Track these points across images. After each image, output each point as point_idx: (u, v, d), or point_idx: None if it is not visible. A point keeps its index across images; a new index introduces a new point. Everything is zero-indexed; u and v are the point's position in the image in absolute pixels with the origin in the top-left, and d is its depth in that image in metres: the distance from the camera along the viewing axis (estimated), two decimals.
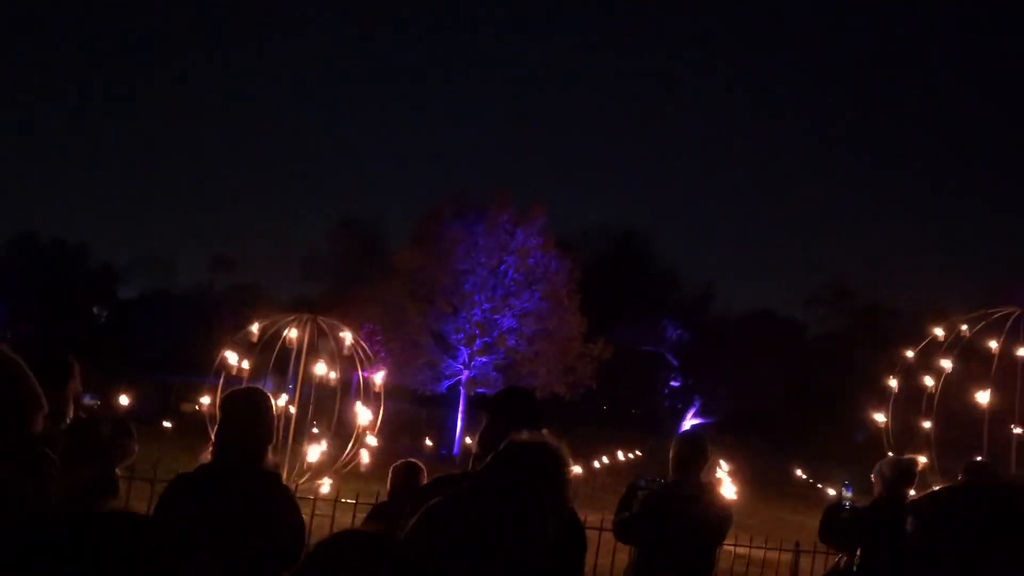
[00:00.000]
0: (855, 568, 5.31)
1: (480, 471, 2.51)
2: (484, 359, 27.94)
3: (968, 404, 11.98)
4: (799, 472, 23.31)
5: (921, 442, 12.10)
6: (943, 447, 12.23)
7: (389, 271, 28.47)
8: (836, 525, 5.54)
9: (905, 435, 12.63)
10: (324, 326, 12.52)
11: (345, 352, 12.27)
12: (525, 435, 2.53)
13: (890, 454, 9.95)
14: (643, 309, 38.30)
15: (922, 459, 11.77)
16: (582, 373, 28.03)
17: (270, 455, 3.86)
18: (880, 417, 12.64)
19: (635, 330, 37.36)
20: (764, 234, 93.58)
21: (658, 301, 39.79)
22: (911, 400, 12.87)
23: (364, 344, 13.33)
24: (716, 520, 5.25)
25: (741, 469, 18.10)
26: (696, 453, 5.39)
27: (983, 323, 12.26)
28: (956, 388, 12.52)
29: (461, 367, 27.99)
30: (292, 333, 11.74)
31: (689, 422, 38.31)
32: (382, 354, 24.71)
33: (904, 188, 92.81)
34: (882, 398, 12.90)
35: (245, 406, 3.75)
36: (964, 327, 12.22)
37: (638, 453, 26.99)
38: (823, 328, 43.88)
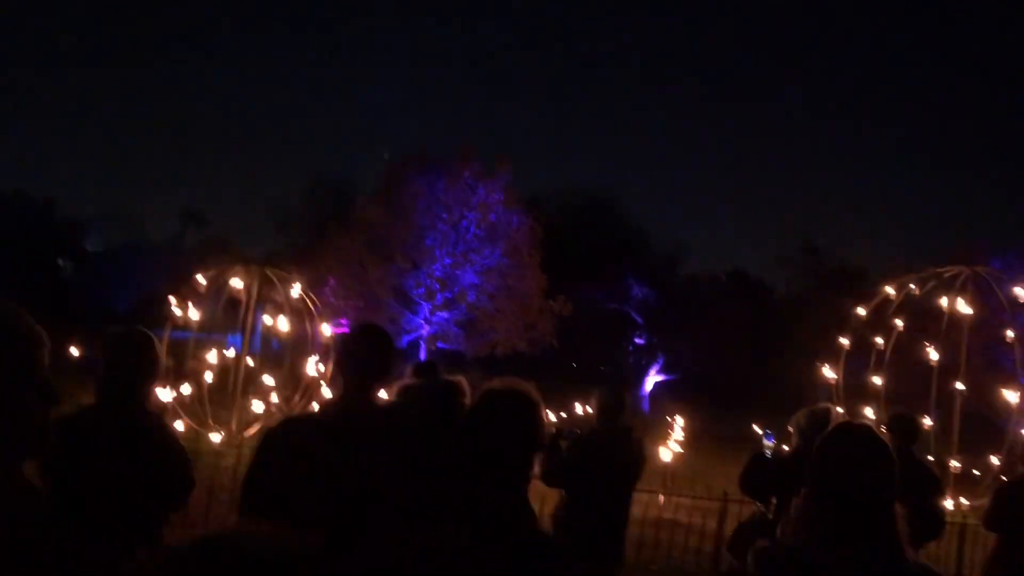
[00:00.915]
0: (770, 517, 5.37)
1: (462, 422, 2.52)
2: (445, 314, 27.72)
3: (917, 360, 12.24)
4: (755, 428, 23.51)
5: (870, 397, 12.37)
6: (892, 402, 12.43)
7: (351, 225, 28.07)
8: (754, 475, 5.64)
9: (855, 391, 12.81)
10: (273, 277, 12.40)
11: (292, 304, 12.18)
12: (498, 382, 2.52)
13: (839, 409, 10.10)
14: (611, 268, 38.27)
15: (868, 412, 12.06)
16: (542, 330, 27.87)
17: (154, 395, 3.80)
18: (830, 373, 12.78)
19: (601, 288, 37.38)
20: (739, 194, 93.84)
21: (627, 260, 39.73)
22: (863, 357, 13.06)
23: (313, 296, 13.21)
24: (635, 459, 5.88)
25: (698, 425, 18.28)
26: (617, 400, 6.05)
27: (933, 283, 12.48)
28: (906, 345, 12.74)
29: (422, 322, 27.77)
30: (236, 283, 11.61)
31: (652, 379, 38.60)
32: (343, 308, 24.57)
33: (877, 149, 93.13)
34: (835, 356, 13.05)
35: (125, 346, 3.65)
36: (913, 286, 12.47)
37: None
38: (792, 288, 44.20)
